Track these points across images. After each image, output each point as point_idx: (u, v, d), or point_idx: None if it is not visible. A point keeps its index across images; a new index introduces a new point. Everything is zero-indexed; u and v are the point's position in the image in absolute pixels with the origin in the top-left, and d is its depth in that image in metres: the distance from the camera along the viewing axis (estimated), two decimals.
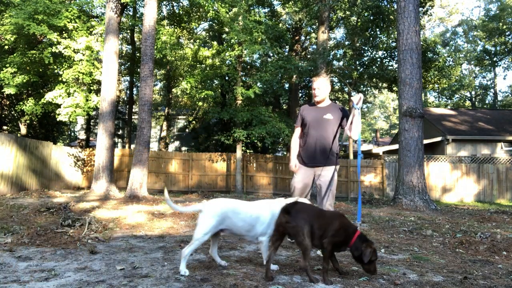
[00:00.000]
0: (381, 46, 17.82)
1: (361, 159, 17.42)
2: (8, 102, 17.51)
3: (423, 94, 23.01)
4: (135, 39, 17.82)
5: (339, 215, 2.92)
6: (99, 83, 12.91)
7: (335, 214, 2.94)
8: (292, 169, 3.88)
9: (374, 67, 18.07)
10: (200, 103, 16.44)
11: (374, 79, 18.47)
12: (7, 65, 12.82)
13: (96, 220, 4.92)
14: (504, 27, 30.16)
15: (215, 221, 2.85)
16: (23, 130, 17.16)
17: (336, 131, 3.80)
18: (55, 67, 13.25)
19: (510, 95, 37.76)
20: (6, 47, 13.50)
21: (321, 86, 3.80)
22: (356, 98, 3.59)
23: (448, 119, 20.49)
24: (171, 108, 25.54)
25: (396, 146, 15.67)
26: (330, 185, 3.70)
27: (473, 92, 37.64)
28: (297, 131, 4.00)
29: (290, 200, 3.06)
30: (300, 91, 23.39)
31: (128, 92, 21.44)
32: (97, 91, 13.37)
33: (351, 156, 20.25)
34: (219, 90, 17.38)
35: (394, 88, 18.29)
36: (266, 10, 19.71)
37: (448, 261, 3.56)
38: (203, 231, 2.83)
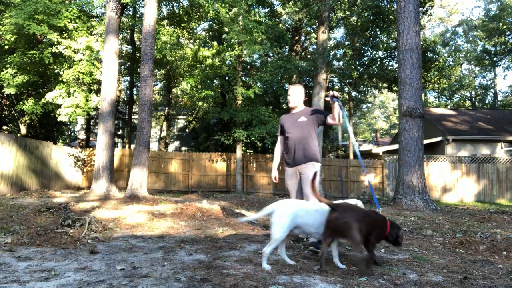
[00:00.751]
0: (381, 46, 17.81)
1: (352, 158, 17.30)
2: (8, 102, 17.52)
3: (423, 94, 23.01)
4: (135, 39, 17.82)
5: (375, 212, 3.28)
6: (99, 83, 12.92)
7: (373, 212, 3.25)
8: (273, 180, 4.43)
9: (374, 67, 18.06)
10: (200, 103, 16.43)
11: (374, 79, 18.47)
12: (7, 65, 12.81)
13: (96, 220, 4.92)
14: (504, 27, 30.16)
15: (289, 220, 3.11)
16: (23, 130, 17.17)
17: (312, 131, 4.12)
18: (55, 67, 13.25)
19: (510, 95, 37.76)
20: (6, 47, 13.50)
21: (295, 93, 4.24)
22: (336, 93, 3.88)
23: (448, 119, 20.49)
24: (171, 108, 25.54)
25: (396, 146, 15.68)
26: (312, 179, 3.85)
27: (473, 92, 37.65)
28: (280, 139, 4.40)
29: (352, 201, 3.74)
30: None
31: (128, 92, 21.44)
32: (97, 91, 13.37)
33: (351, 156, 20.27)
34: (219, 90, 17.38)
35: (394, 88, 18.29)
36: (266, 10, 19.70)
37: (448, 261, 3.56)
38: (280, 230, 3.09)
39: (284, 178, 4.25)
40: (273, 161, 4.37)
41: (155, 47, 12.70)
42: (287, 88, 21.63)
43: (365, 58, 18.89)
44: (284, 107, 24.67)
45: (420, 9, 15.61)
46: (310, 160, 4.06)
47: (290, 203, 3.23)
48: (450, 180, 15.20)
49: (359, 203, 4.00)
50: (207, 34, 22.15)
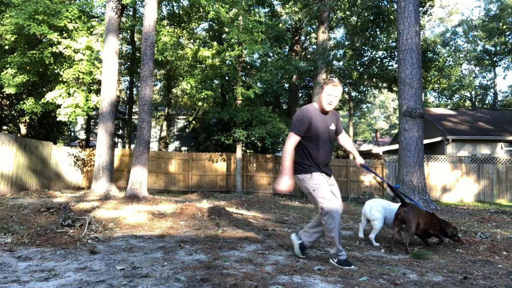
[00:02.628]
0: (381, 46, 17.82)
1: (352, 158, 17.42)
2: (8, 102, 17.52)
3: (423, 94, 23.03)
4: (135, 39, 17.83)
5: (433, 214, 4.23)
6: (99, 83, 12.92)
7: (430, 213, 4.20)
8: (284, 190, 3.32)
9: (374, 67, 18.07)
10: (200, 103, 16.44)
11: (374, 79, 18.48)
12: (7, 65, 12.81)
13: (96, 220, 4.92)
14: (504, 27, 30.15)
15: (382, 214, 4.36)
16: (23, 130, 17.16)
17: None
18: (55, 67, 13.25)
19: (510, 95, 37.76)
20: (6, 47, 13.50)
21: (339, 95, 3.38)
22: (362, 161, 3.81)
23: (448, 119, 20.49)
24: (171, 108, 25.55)
25: (396, 146, 15.67)
26: (309, 196, 3.45)
27: (473, 92, 37.64)
28: (297, 139, 3.48)
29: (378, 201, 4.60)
30: (300, 91, 23.39)
31: (128, 92, 21.44)
32: (97, 91, 13.38)
33: (351, 156, 20.27)
34: (219, 90, 17.38)
35: (394, 88, 18.30)
36: (266, 10, 19.71)
37: (448, 261, 3.56)
38: (380, 222, 4.35)
39: (319, 185, 3.30)
40: (284, 164, 3.27)
41: (156, 49, 12.70)
42: (285, 88, 21.36)
43: (365, 58, 18.91)
44: (284, 107, 24.70)
45: (420, 9, 15.62)
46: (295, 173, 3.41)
47: (383, 202, 4.49)
48: (450, 180, 15.20)
49: (384, 203, 4.56)
50: (207, 34, 22.15)
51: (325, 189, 3.27)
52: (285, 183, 3.18)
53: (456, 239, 4.22)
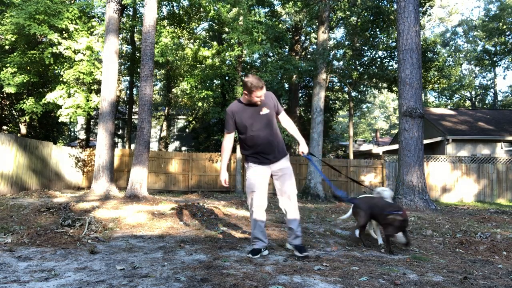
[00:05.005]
0: (381, 46, 17.81)
1: (352, 158, 17.67)
2: (8, 102, 17.52)
3: (423, 94, 23.03)
4: (135, 39, 17.83)
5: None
6: (99, 83, 12.92)
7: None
8: (224, 184, 3.70)
9: (374, 67, 18.06)
10: (200, 103, 16.43)
11: (374, 79, 18.47)
12: (7, 64, 12.81)
13: (96, 220, 4.92)
14: (504, 27, 30.15)
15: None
16: (23, 130, 17.17)
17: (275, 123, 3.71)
18: (55, 67, 13.26)
19: (510, 95, 37.75)
20: (7, 47, 13.50)
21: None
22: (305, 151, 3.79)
23: (448, 119, 20.49)
24: (171, 108, 25.55)
25: (396, 146, 15.68)
26: None
27: (473, 92, 37.64)
28: (231, 136, 3.82)
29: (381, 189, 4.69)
30: (300, 91, 23.40)
31: (128, 92, 21.44)
32: (98, 91, 13.38)
33: (351, 156, 20.26)
34: (219, 90, 17.38)
35: (394, 88, 18.30)
36: (266, 10, 19.70)
37: (448, 261, 3.56)
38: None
39: (249, 177, 3.58)
40: (221, 159, 3.68)
41: (157, 50, 12.70)
42: (286, 89, 21.33)
43: (365, 58, 18.90)
44: (284, 107, 24.70)
45: (420, 9, 15.62)
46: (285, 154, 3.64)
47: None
48: (450, 180, 15.20)
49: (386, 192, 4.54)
50: (207, 34, 22.16)
51: (252, 182, 3.53)
52: (222, 176, 3.53)
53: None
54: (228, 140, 3.57)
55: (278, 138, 3.58)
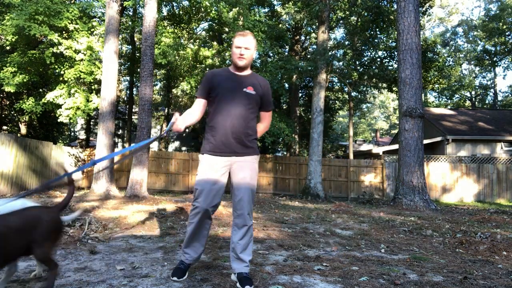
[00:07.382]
0: (381, 46, 17.82)
1: (352, 158, 17.70)
2: (8, 102, 17.52)
3: (423, 94, 23.03)
4: (135, 39, 17.83)
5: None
6: (99, 83, 12.91)
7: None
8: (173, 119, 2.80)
9: (374, 67, 18.06)
10: None
11: (374, 79, 18.47)
12: (7, 64, 12.82)
13: (96, 220, 4.92)
14: (504, 27, 30.16)
15: None
16: (23, 130, 17.17)
17: (256, 112, 2.92)
18: (56, 67, 13.26)
19: (510, 95, 37.75)
20: (8, 47, 13.50)
21: (253, 46, 2.81)
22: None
23: (448, 119, 20.50)
24: (171, 108, 25.55)
25: (396, 146, 15.68)
26: None
27: (473, 92, 37.64)
28: (203, 103, 2.97)
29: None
30: (300, 91, 23.40)
31: (128, 92, 21.44)
32: (98, 91, 13.37)
33: (351, 156, 20.26)
34: None
35: (394, 88, 18.30)
36: (266, 10, 19.70)
37: (448, 261, 3.56)
38: None
39: (199, 173, 2.75)
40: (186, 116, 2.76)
41: (158, 51, 12.70)
42: (284, 86, 21.29)
43: (365, 58, 18.90)
44: (284, 107, 24.70)
45: (420, 9, 15.62)
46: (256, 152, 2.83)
47: None
48: (450, 180, 15.20)
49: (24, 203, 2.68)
50: (207, 34, 22.15)
51: (201, 178, 2.71)
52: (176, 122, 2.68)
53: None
54: (197, 105, 2.81)
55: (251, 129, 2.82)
